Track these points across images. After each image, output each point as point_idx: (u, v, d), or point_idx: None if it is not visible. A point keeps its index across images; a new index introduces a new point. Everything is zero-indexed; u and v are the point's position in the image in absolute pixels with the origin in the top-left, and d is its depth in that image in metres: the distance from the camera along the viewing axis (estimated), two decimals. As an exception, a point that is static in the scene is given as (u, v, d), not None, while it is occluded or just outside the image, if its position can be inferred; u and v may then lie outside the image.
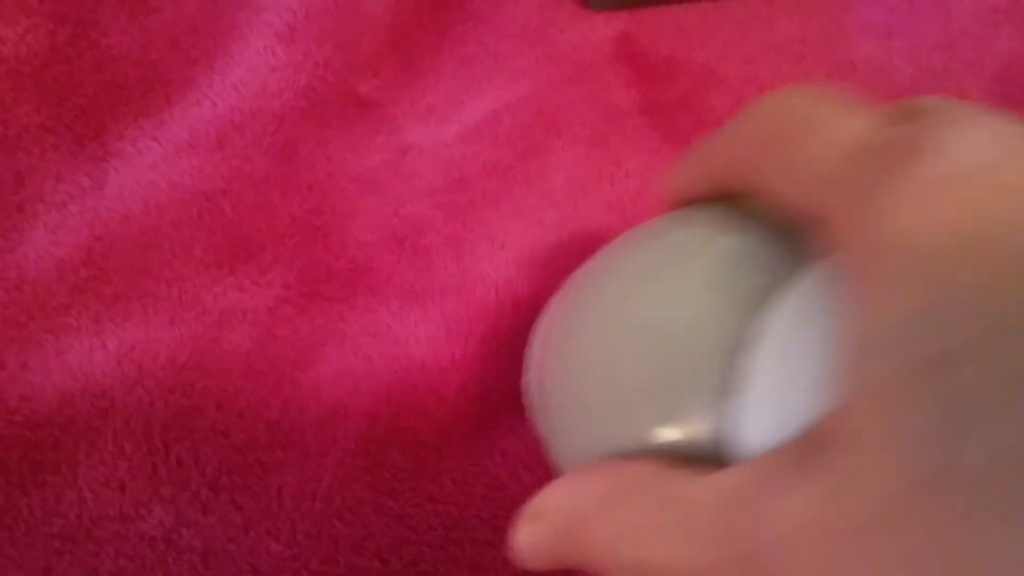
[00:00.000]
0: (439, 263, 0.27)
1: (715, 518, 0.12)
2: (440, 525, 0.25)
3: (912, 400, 0.11)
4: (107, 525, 0.24)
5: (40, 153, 0.26)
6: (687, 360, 0.14)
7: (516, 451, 0.26)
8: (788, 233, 0.15)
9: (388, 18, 0.28)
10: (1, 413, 0.24)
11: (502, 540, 0.25)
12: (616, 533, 0.14)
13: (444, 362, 0.26)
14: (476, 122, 0.28)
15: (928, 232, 0.11)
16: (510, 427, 0.26)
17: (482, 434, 0.26)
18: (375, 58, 0.28)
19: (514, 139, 0.28)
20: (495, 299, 0.26)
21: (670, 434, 0.14)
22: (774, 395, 0.13)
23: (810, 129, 0.14)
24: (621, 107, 0.29)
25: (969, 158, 0.12)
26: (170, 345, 0.25)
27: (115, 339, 0.25)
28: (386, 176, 0.27)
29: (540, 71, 0.29)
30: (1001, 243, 0.11)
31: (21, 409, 0.24)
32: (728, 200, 0.17)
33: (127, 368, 0.25)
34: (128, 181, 0.26)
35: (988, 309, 0.11)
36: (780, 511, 0.12)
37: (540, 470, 0.26)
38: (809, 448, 0.12)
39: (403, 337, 0.26)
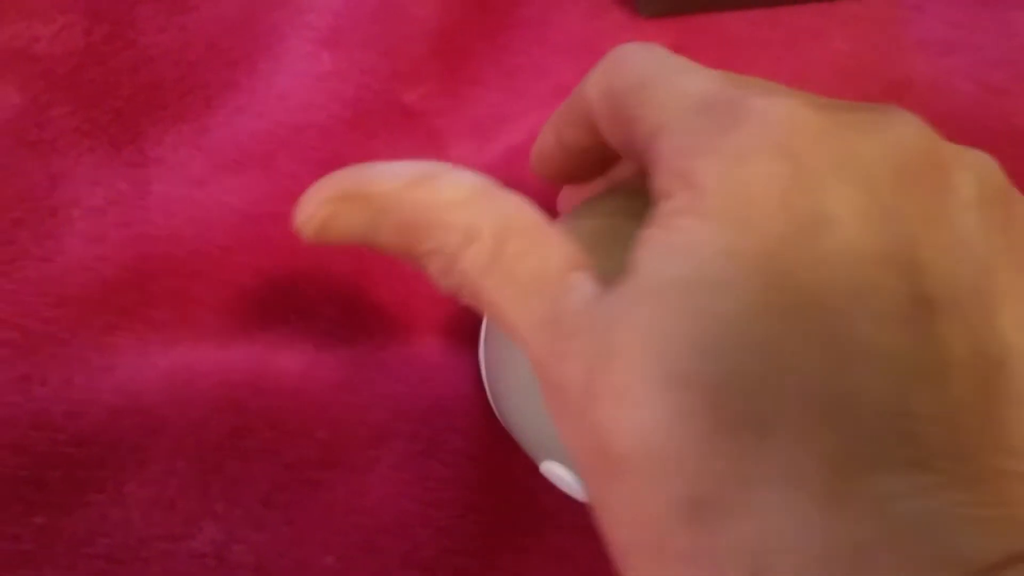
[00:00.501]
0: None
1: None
2: (481, 534, 0.26)
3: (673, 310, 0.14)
4: (155, 544, 0.24)
5: (76, 156, 0.25)
6: None
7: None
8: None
9: (434, 22, 0.28)
10: (44, 431, 0.23)
11: (541, 548, 0.26)
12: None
13: (474, 389, 0.27)
14: (521, 141, 0.28)
15: (724, 193, 0.14)
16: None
17: (512, 445, 0.27)
18: (421, 65, 0.28)
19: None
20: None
21: None
22: None
23: (654, 83, 0.16)
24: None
25: (768, 131, 0.14)
26: (220, 366, 0.25)
27: (165, 360, 0.24)
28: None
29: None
30: (775, 210, 0.13)
31: (67, 427, 0.23)
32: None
33: (178, 387, 0.24)
34: (172, 194, 0.25)
35: (731, 262, 0.13)
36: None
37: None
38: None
39: (442, 363, 0.27)
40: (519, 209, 0.16)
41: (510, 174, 0.28)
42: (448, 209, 0.16)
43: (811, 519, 0.12)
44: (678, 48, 0.31)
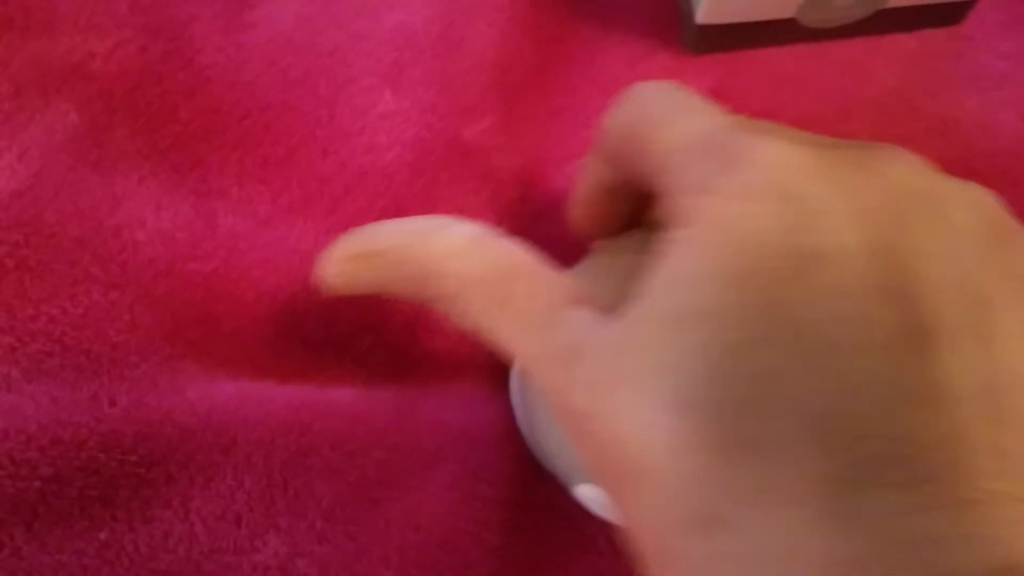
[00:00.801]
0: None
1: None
2: (527, 553, 0.27)
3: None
4: (219, 558, 0.24)
5: (138, 179, 0.25)
6: None
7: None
8: None
9: (492, 55, 0.28)
10: (113, 452, 0.24)
11: (583, 568, 0.28)
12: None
13: (510, 422, 0.28)
14: (564, 186, 0.29)
15: (725, 229, 0.15)
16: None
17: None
18: (480, 100, 0.28)
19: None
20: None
21: None
22: None
23: (661, 122, 0.18)
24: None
25: (764, 173, 0.15)
26: (285, 391, 0.25)
27: (232, 386, 0.25)
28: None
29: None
30: (774, 247, 0.15)
31: (136, 448, 0.24)
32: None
33: (247, 407, 0.25)
34: (240, 230, 0.25)
35: (733, 295, 0.14)
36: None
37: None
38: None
39: (485, 397, 0.28)
40: (513, 253, 0.18)
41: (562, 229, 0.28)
42: (444, 259, 0.18)
43: (811, 535, 0.14)
44: (723, 84, 0.32)
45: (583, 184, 0.22)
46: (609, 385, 0.15)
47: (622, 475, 0.15)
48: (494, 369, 0.29)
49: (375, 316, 0.27)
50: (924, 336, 0.14)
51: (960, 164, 0.23)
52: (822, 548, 0.13)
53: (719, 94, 0.31)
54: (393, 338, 0.27)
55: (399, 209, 0.27)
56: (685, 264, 0.15)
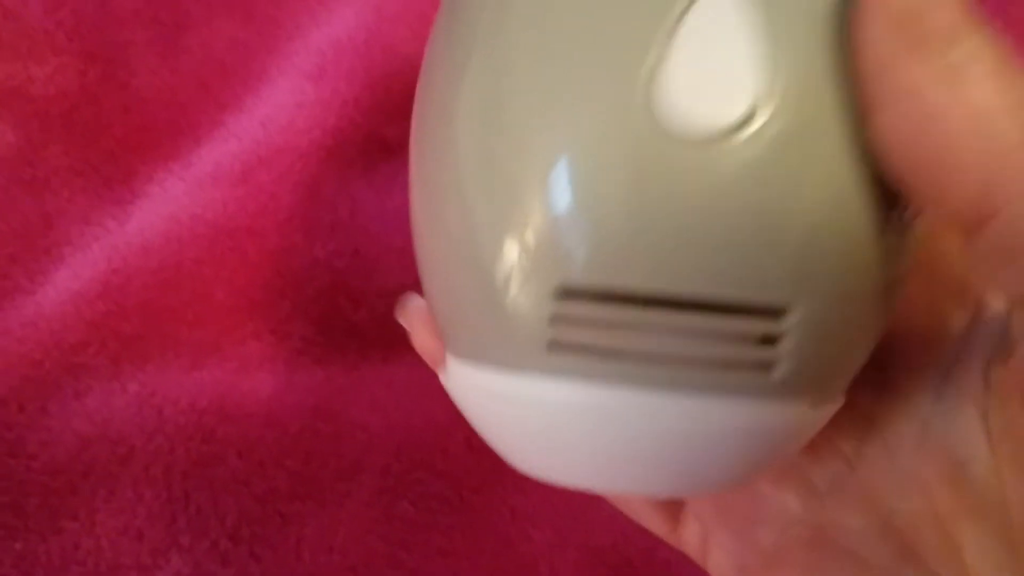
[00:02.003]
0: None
1: None
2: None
3: None
4: (124, 574, 0.24)
5: (69, 196, 0.26)
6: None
7: (524, 508, 0.25)
8: None
9: (418, 62, 0.28)
10: (21, 459, 0.24)
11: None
12: None
13: (453, 417, 0.26)
14: None
15: None
16: (517, 485, 0.26)
17: (490, 489, 0.26)
18: (405, 102, 0.28)
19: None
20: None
21: None
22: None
23: None
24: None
25: None
26: (190, 390, 0.25)
27: (135, 382, 0.25)
28: (408, 217, 0.27)
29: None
30: None
31: (40, 455, 0.24)
32: None
33: (147, 413, 0.24)
34: (149, 215, 0.26)
35: None
36: None
37: (549, 529, 0.26)
38: None
39: (416, 392, 0.26)
40: None
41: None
42: None
43: None
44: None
45: None
46: None
47: None
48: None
49: (294, 285, 0.26)
50: None
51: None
52: None
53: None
54: (314, 309, 0.26)
55: (312, 189, 0.26)
56: None
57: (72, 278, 0.25)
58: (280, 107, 0.27)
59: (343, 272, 0.27)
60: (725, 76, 0.12)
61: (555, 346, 0.14)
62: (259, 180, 0.26)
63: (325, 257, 0.27)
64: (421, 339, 0.18)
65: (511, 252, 0.13)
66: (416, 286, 0.28)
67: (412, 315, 0.19)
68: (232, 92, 0.28)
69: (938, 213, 0.13)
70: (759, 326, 0.13)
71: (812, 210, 0.13)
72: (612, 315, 0.13)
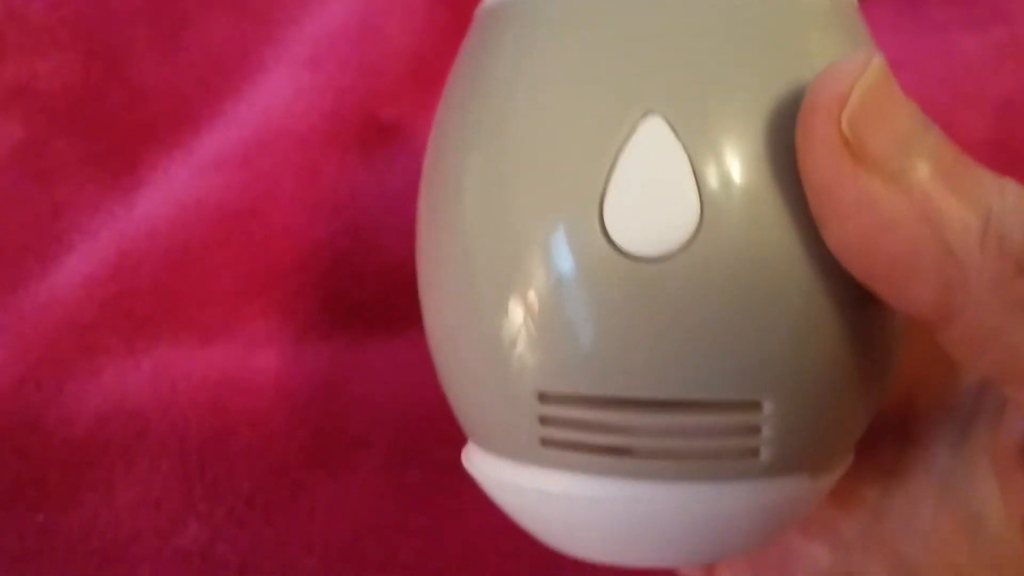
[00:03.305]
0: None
1: None
2: (462, 538, 0.26)
3: None
4: (144, 542, 0.25)
5: (77, 186, 0.27)
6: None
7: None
8: None
9: (412, 46, 0.29)
10: (40, 436, 0.25)
11: (523, 551, 0.26)
12: None
13: None
14: None
15: None
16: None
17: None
18: (397, 85, 0.29)
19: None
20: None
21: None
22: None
23: None
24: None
25: None
26: (202, 365, 0.26)
27: (148, 359, 0.26)
28: (409, 198, 0.28)
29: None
30: None
31: (59, 431, 0.25)
32: None
33: (161, 388, 0.25)
34: (156, 201, 0.27)
35: None
36: None
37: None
38: None
39: (420, 366, 0.27)
40: None
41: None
42: None
43: None
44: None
45: None
46: None
47: None
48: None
49: (298, 265, 0.27)
50: None
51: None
52: None
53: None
54: (318, 288, 0.27)
55: (312, 171, 0.27)
56: None
57: (83, 263, 0.26)
58: (278, 95, 0.28)
59: (345, 252, 0.28)
60: (664, 199, 0.13)
61: (547, 442, 0.15)
62: (260, 165, 0.27)
63: (327, 238, 0.28)
64: None
65: (499, 356, 0.14)
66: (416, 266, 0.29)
67: None
68: (230, 82, 0.29)
69: (902, 312, 0.13)
70: (737, 419, 0.14)
71: (770, 314, 0.13)
72: (593, 417, 0.14)
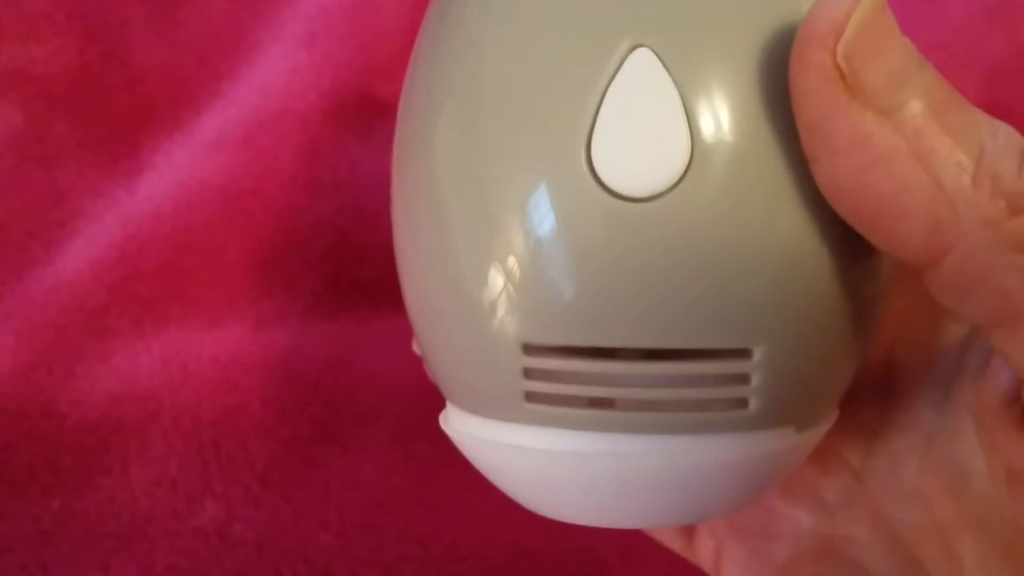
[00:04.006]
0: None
1: None
2: (474, 510, 0.26)
3: None
4: (161, 522, 0.25)
5: (78, 170, 0.27)
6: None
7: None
8: None
9: (408, 21, 0.29)
10: (53, 419, 0.25)
11: (533, 520, 0.26)
12: None
13: None
14: None
15: None
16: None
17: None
18: (395, 61, 0.29)
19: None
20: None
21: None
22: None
23: None
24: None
25: None
26: (212, 346, 0.26)
27: (158, 341, 0.26)
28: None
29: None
30: None
31: (72, 414, 0.25)
32: None
33: (172, 369, 0.25)
34: (158, 183, 0.27)
35: None
36: None
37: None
38: None
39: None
40: None
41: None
42: None
43: None
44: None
45: None
46: None
47: None
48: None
49: (301, 244, 0.27)
50: None
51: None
52: None
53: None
54: (320, 264, 0.27)
55: (312, 150, 0.27)
56: None
57: (88, 247, 0.26)
58: (276, 74, 0.28)
59: (348, 229, 0.28)
60: (654, 136, 0.13)
61: (531, 396, 0.14)
62: (261, 144, 0.27)
63: (329, 215, 0.28)
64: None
65: (481, 310, 0.14)
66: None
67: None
68: (228, 62, 0.29)
69: (890, 253, 0.13)
70: (725, 367, 0.13)
71: (760, 258, 0.13)
72: (579, 368, 0.14)
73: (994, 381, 0.15)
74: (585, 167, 0.13)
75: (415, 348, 0.19)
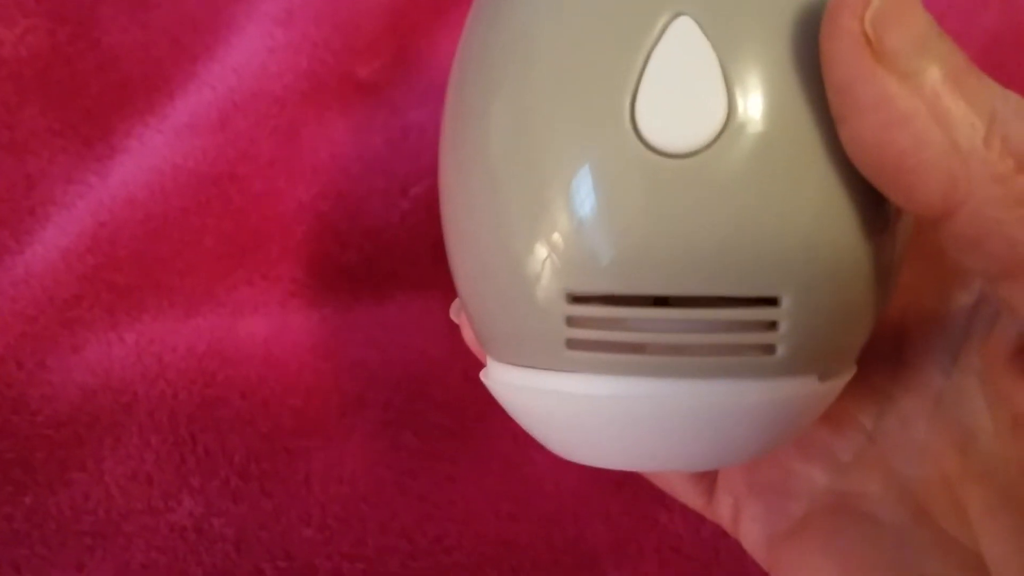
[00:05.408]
0: (442, 253, 0.27)
1: None
2: (461, 502, 0.25)
3: None
4: (137, 518, 0.24)
5: (49, 156, 0.26)
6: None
7: (525, 433, 0.26)
8: None
9: (387, 1, 0.28)
10: (23, 414, 0.24)
11: (523, 513, 0.25)
12: None
13: (448, 351, 0.27)
14: None
15: None
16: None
17: (490, 417, 0.26)
18: (374, 41, 0.28)
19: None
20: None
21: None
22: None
23: None
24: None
25: None
26: (188, 336, 0.25)
27: (132, 332, 0.25)
28: (390, 157, 0.28)
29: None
30: None
31: (43, 409, 0.24)
32: None
33: (147, 361, 0.25)
34: (131, 168, 0.26)
35: None
36: None
37: (550, 451, 0.26)
38: None
39: (410, 329, 0.27)
40: None
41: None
42: None
43: None
44: None
45: None
46: None
47: None
48: (425, 284, 0.27)
49: (280, 229, 0.27)
50: None
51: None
52: None
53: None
54: (300, 250, 0.26)
55: (290, 133, 0.27)
56: None
57: (60, 235, 0.25)
58: (251, 54, 0.27)
59: (328, 215, 0.27)
60: (695, 96, 0.14)
61: (573, 343, 0.15)
62: (237, 127, 0.26)
63: (309, 200, 0.27)
64: (469, 337, 0.19)
65: (528, 262, 0.15)
66: (401, 228, 0.28)
67: (461, 315, 0.19)
68: (203, 43, 0.28)
69: (908, 207, 0.14)
70: (755, 314, 0.15)
71: (790, 210, 0.14)
72: (621, 315, 0.15)
73: (1001, 336, 0.16)
74: (629, 126, 0.14)
75: (452, 315, 0.20)
